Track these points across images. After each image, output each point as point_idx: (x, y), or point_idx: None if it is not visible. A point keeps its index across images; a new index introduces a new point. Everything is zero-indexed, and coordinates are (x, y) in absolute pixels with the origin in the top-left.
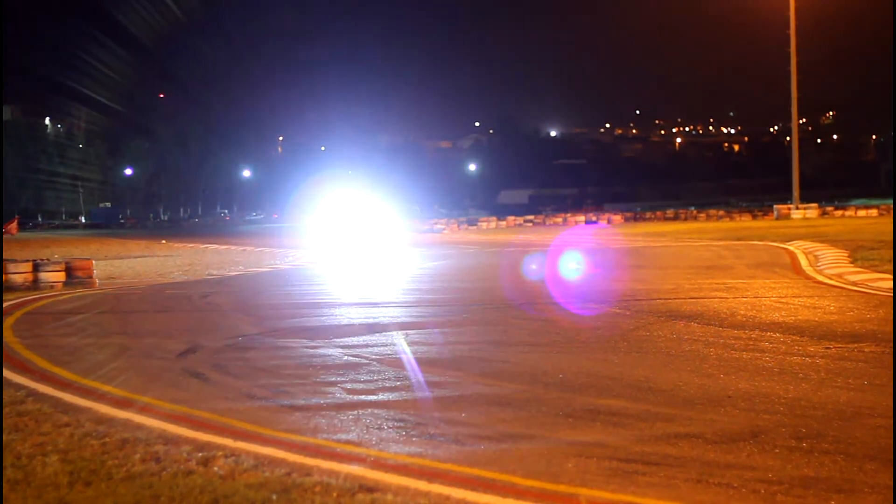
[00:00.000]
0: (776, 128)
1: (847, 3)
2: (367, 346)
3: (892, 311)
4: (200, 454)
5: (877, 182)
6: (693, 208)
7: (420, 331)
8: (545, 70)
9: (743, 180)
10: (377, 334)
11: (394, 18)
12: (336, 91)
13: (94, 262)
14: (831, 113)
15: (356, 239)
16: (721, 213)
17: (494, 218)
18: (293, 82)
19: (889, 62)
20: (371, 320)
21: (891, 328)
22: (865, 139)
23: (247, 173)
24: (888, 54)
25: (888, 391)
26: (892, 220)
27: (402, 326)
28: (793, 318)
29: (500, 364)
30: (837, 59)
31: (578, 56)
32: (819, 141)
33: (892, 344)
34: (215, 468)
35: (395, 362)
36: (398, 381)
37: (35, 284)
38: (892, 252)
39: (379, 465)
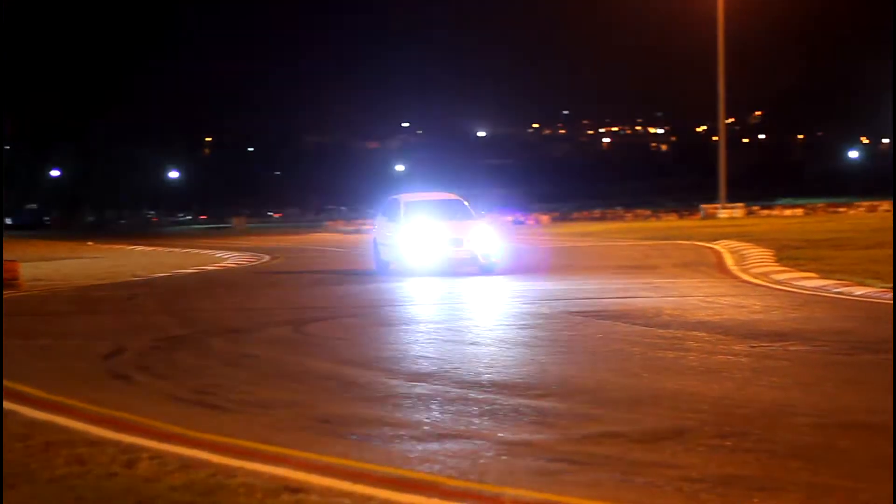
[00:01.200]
0: (704, 128)
1: (776, 5)
2: (292, 342)
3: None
4: (125, 456)
5: (803, 182)
6: (620, 208)
7: (341, 323)
8: (474, 71)
9: (671, 180)
10: (301, 329)
11: (323, 18)
12: (262, 93)
13: (20, 263)
14: (758, 113)
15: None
16: (648, 212)
17: None
18: (220, 82)
19: (808, 62)
20: (295, 315)
21: (815, 326)
22: (792, 139)
23: (174, 174)
24: (815, 54)
25: (812, 389)
26: (816, 220)
27: (325, 319)
28: (718, 316)
29: (425, 364)
30: (766, 60)
31: (507, 57)
32: (746, 141)
33: (817, 342)
34: (140, 470)
35: (322, 359)
36: (323, 380)
37: None
38: (816, 251)
39: (304, 465)
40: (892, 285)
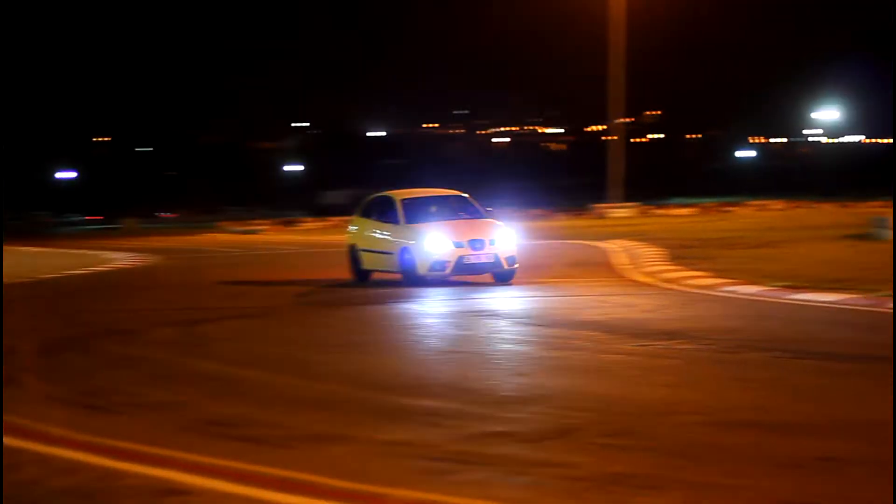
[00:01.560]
0: (602, 127)
1: (672, 5)
2: (178, 343)
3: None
4: (9, 460)
5: (697, 181)
6: (515, 207)
7: (237, 324)
8: (370, 70)
9: (567, 179)
10: (190, 329)
11: (216, 17)
12: (159, 92)
13: None
14: (654, 112)
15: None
16: (541, 212)
17: (317, 219)
18: (115, 81)
19: (704, 62)
20: (186, 317)
21: (703, 325)
22: (687, 138)
23: (68, 174)
24: (711, 55)
25: (699, 387)
26: (709, 219)
27: (218, 319)
28: (607, 316)
29: (314, 365)
30: (663, 59)
31: (403, 55)
32: (642, 140)
33: (705, 341)
34: (24, 474)
35: (208, 359)
36: (211, 380)
37: None
38: (708, 250)
39: (189, 467)
40: (785, 284)
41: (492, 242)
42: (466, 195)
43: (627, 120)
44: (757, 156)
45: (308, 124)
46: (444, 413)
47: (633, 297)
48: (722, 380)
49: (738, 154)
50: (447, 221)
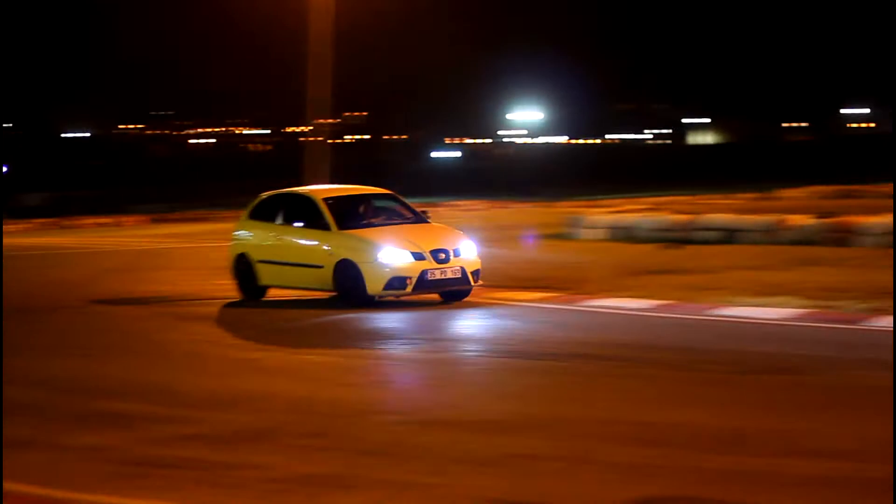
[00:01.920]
0: (308, 128)
1: (377, 7)
2: None
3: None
4: None
5: (401, 182)
6: (222, 209)
7: None
8: (71, 68)
9: (273, 180)
10: None
11: None
12: None
13: None
14: (362, 113)
15: None
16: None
17: (15, 221)
18: None
19: (405, 63)
20: None
21: (408, 325)
22: (390, 139)
23: None
24: (414, 55)
25: (396, 388)
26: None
27: None
28: (304, 319)
29: (11, 368)
30: (370, 59)
31: (102, 55)
32: (346, 141)
33: (405, 342)
34: None
35: None
36: None
37: None
38: None
39: None
40: (485, 284)
41: (456, 253)
42: (393, 193)
43: (331, 121)
44: (459, 156)
45: (11, 125)
46: (137, 416)
47: (334, 300)
48: (419, 379)
49: (435, 155)
50: (392, 226)
